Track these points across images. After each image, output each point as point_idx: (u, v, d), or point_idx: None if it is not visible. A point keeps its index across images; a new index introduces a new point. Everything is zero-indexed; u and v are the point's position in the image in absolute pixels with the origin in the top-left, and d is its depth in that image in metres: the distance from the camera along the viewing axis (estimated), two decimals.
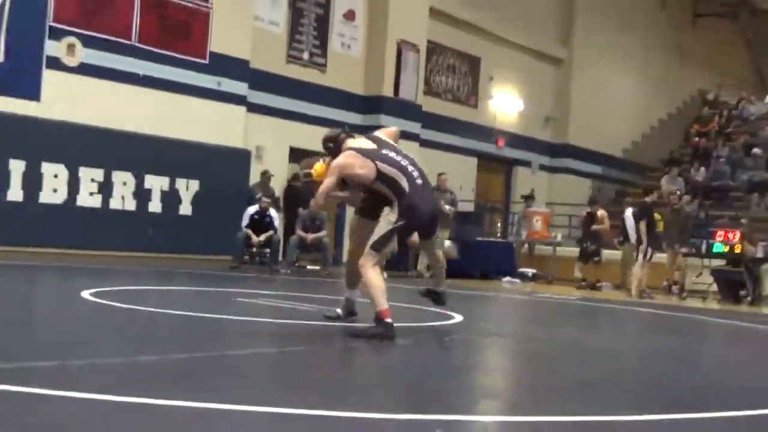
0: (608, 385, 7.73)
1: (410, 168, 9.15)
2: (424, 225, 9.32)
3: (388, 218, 8.98)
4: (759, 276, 21.81)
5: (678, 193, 24.47)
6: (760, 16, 43.16)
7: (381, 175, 8.99)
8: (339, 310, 10.16)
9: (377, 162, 9.05)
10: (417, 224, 9.21)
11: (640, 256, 21.46)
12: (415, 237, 9.73)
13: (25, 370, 5.92)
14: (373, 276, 8.96)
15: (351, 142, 9.39)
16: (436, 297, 10.00)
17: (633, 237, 21.52)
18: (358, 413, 5.29)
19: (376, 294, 8.85)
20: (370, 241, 9.07)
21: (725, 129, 37.06)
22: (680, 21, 40.43)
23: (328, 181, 9.22)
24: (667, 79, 38.77)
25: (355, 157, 9.12)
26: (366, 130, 24.28)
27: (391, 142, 9.44)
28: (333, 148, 9.47)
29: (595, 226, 23.85)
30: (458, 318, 11.48)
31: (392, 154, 9.20)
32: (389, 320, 8.68)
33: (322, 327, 10.01)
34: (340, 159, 9.19)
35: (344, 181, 9.32)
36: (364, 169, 9.04)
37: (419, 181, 9.11)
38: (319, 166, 9.52)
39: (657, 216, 22.05)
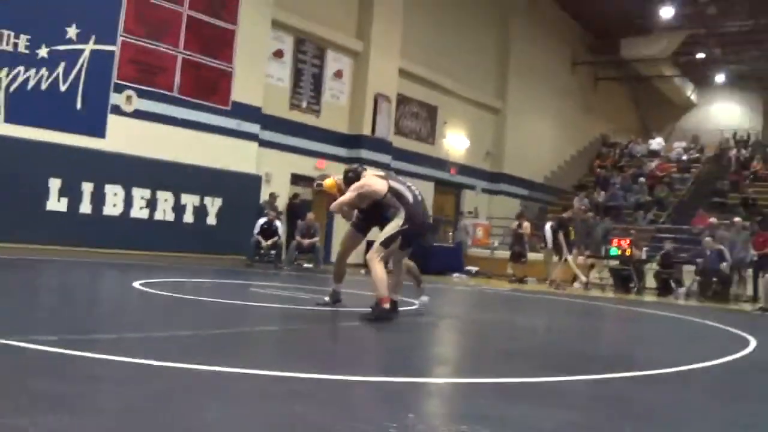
0: (529, 354, 7.80)
1: (412, 187, 9.32)
2: (421, 232, 9.39)
3: (396, 222, 9.00)
4: (643, 272, 22.37)
5: (583, 208, 24.66)
6: (644, 81, 43.65)
7: (391, 189, 9.06)
8: (327, 298, 10.12)
9: (389, 180, 9.22)
10: (416, 230, 9.19)
11: (556, 258, 21.65)
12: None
13: (91, 341, 5.97)
14: (379, 269, 8.88)
15: (367, 173, 9.47)
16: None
17: (550, 244, 21.58)
18: (342, 376, 5.36)
19: (378, 284, 8.81)
20: (379, 240, 9.09)
21: (619, 163, 37.86)
22: (586, 83, 40.69)
23: (350, 195, 9.18)
24: (576, 126, 38.90)
25: (373, 178, 9.24)
26: (350, 162, 24.54)
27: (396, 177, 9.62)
28: (353, 177, 9.43)
29: (520, 230, 24.02)
30: (418, 304, 11.16)
31: (399, 179, 9.52)
32: (386, 305, 8.72)
33: (315, 310, 9.93)
34: (363, 180, 9.23)
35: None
36: (379, 185, 9.09)
37: (419, 198, 9.23)
38: (329, 181, 9.68)
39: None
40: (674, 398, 5.79)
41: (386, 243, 8.98)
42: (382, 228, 9.35)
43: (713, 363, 7.58)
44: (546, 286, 21.61)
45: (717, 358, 7.87)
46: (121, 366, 5.08)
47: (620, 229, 26.33)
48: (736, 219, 23.30)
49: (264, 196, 21.92)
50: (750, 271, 21.42)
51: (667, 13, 33.11)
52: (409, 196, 9.10)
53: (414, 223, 9.06)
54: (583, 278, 21.31)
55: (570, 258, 21.40)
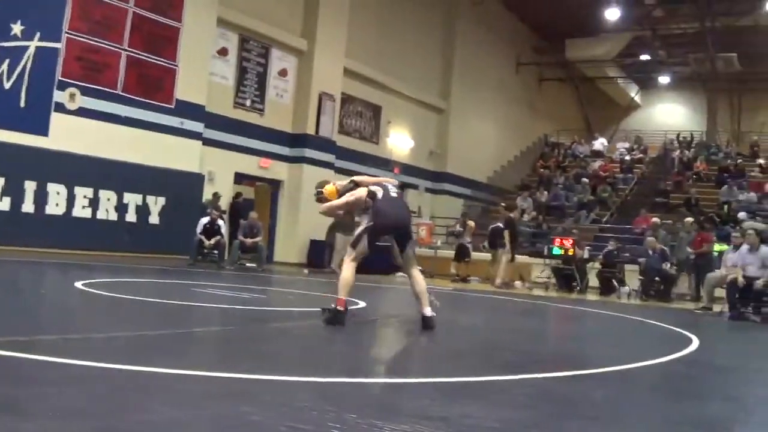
0: (473, 353, 7.95)
1: (390, 186, 9.18)
2: (389, 227, 9.06)
3: (364, 221, 8.97)
4: (585, 272, 22.59)
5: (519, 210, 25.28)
6: (586, 82, 44.47)
7: (369, 192, 8.98)
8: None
9: (369, 185, 9.15)
10: (382, 226, 8.95)
11: (505, 257, 22.15)
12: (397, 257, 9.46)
13: (31, 343, 5.99)
14: (346, 271, 8.78)
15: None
16: (425, 321, 8.82)
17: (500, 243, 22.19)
18: (286, 377, 5.40)
19: (340, 286, 8.66)
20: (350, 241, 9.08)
21: (562, 163, 38.02)
22: (530, 83, 41.31)
23: (339, 201, 9.25)
24: (519, 126, 39.57)
25: (363, 189, 9.09)
26: (294, 161, 24.86)
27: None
28: (352, 187, 9.35)
29: (459, 229, 24.54)
30: (362, 304, 11.51)
31: (389, 184, 9.28)
32: (342, 308, 8.52)
33: (258, 311, 10.07)
34: (356, 192, 9.18)
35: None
36: (363, 192, 9.03)
37: (393, 194, 9.05)
38: (330, 187, 9.60)
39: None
40: (618, 396, 5.92)
41: (354, 243, 8.91)
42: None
43: (656, 361, 7.76)
44: (490, 286, 21.99)
45: (660, 357, 8.09)
46: (64, 368, 5.07)
47: (562, 228, 26.86)
48: (688, 219, 23.72)
49: (207, 195, 22.16)
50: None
51: (612, 15, 33.61)
52: (380, 194, 8.99)
53: (380, 219, 8.87)
54: (499, 282, 21.80)
55: (505, 258, 22.01)
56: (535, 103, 41.46)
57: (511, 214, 23.51)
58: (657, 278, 20.91)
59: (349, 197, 9.23)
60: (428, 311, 8.81)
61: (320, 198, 9.61)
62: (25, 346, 5.64)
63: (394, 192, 9.11)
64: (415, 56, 31.98)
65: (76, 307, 9.42)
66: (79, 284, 11.13)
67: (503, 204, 28.48)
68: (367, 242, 8.84)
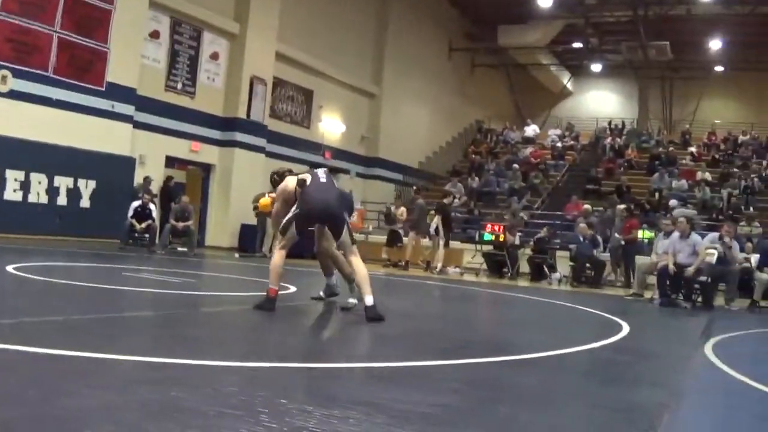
0: (403, 338, 8.01)
1: (320, 173, 9.10)
2: (315, 213, 8.90)
3: (293, 208, 8.93)
4: (516, 257, 23.00)
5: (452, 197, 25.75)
6: (519, 69, 45.03)
7: (299, 180, 8.99)
8: (321, 293, 10.48)
9: (298, 175, 9.24)
10: (307, 212, 8.83)
11: (441, 242, 22.69)
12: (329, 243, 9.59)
13: None
14: (276, 258, 8.89)
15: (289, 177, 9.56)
16: (367, 312, 8.62)
17: (433, 229, 22.74)
18: (216, 362, 5.44)
19: (271, 274, 8.76)
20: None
21: (493, 149, 38.71)
22: (462, 70, 41.80)
23: (276, 207, 9.50)
24: (452, 112, 40.13)
25: (289, 178, 9.39)
26: (225, 144, 25.09)
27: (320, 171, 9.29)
28: (277, 179, 9.69)
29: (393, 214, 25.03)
30: (293, 288, 11.60)
31: (319, 171, 9.21)
32: (273, 297, 8.56)
33: (188, 296, 10.20)
34: (282, 184, 9.44)
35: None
36: (291, 182, 9.21)
37: (322, 181, 8.93)
38: (263, 200, 9.58)
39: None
40: (547, 382, 6.04)
41: (282, 230, 8.93)
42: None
43: (586, 347, 7.97)
44: (423, 271, 22.47)
45: (590, 343, 8.26)
46: None
47: (494, 214, 27.48)
48: (620, 206, 24.29)
49: (138, 179, 22.39)
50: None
51: (545, 1, 34.44)
52: (308, 180, 8.92)
53: (306, 206, 8.82)
54: (438, 268, 22.42)
55: (442, 242, 22.58)
56: (468, 89, 41.87)
57: (445, 200, 23.93)
58: (588, 265, 21.34)
59: (281, 196, 9.45)
60: (369, 300, 8.66)
61: (258, 212, 9.80)
62: None
63: (323, 177, 9.03)
64: (348, 41, 32.42)
65: (6, 291, 9.34)
66: (10, 268, 11.16)
67: (415, 188, 28.75)
68: (296, 229, 8.86)
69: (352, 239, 9.14)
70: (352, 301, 9.57)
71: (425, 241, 24.08)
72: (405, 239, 24.35)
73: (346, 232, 8.99)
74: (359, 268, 8.97)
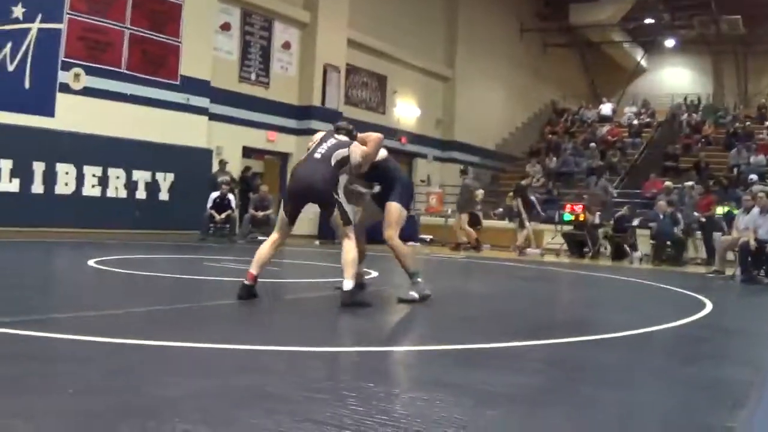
0: (486, 320, 7.91)
1: (316, 148, 8.09)
2: (293, 191, 8.01)
3: None
4: (596, 237, 22.53)
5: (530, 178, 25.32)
6: (591, 47, 44.11)
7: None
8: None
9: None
10: (289, 189, 8.14)
11: (527, 224, 22.28)
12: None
13: (47, 321, 6.01)
14: (265, 244, 8.12)
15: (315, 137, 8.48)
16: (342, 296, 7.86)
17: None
18: (300, 347, 5.42)
19: (254, 259, 7.99)
20: None
21: (570, 129, 37.87)
22: (534, 50, 40.86)
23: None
24: (526, 92, 39.31)
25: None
26: (301, 133, 24.79)
27: (330, 138, 8.18)
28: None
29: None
30: (374, 273, 11.45)
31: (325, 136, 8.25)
32: (249, 283, 7.82)
33: (270, 284, 9.66)
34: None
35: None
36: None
37: (315, 155, 7.97)
38: None
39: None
40: (630, 360, 5.96)
41: (277, 210, 8.21)
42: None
43: (669, 326, 7.77)
44: (509, 253, 22.08)
45: (673, 321, 8.04)
46: (80, 344, 5.11)
47: (573, 194, 26.90)
48: (688, 183, 23.76)
49: (215, 169, 22.21)
50: (699, 234, 21.80)
51: None
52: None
53: (291, 182, 8.20)
54: (517, 251, 22.02)
55: (528, 224, 22.11)
56: (541, 69, 41.04)
57: (523, 182, 23.45)
58: (668, 242, 20.83)
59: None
60: (347, 285, 7.76)
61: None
62: (39, 325, 5.67)
63: (314, 152, 8.05)
64: (419, 24, 31.79)
65: (89, 285, 9.38)
66: (91, 262, 11.14)
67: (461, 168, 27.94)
68: (283, 209, 8.17)
69: (346, 220, 8.05)
70: (414, 294, 8.56)
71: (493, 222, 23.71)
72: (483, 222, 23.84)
73: (338, 212, 7.97)
74: (347, 250, 7.93)
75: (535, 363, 5.54)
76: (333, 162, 7.94)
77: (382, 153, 8.60)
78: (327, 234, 23.48)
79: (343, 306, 7.65)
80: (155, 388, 4.04)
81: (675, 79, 46.50)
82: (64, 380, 4.10)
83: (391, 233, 8.49)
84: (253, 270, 7.88)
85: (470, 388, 4.37)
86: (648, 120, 37.47)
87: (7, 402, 3.65)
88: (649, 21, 40.57)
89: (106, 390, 3.94)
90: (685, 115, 36.28)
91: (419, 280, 8.41)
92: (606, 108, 39.07)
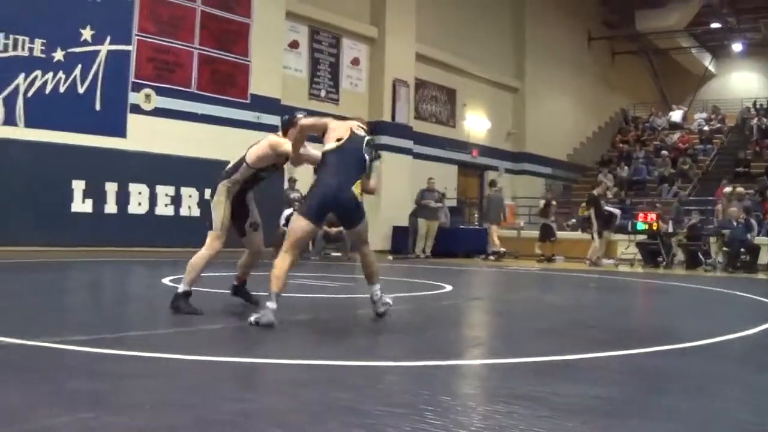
0: (561, 331, 7.67)
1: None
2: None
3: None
4: (670, 246, 21.92)
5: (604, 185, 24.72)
6: (659, 54, 43.40)
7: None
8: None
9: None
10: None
11: (595, 235, 21.55)
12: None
13: (121, 339, 5.97)
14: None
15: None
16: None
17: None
18: (376, 362, 5.40)
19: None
20: None
21: (641, 137, 37.44)
22: (602, 58, 40.38)
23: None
24: (596, 101, 38.72)
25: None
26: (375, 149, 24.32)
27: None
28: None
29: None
30: (448, 287, 11.44)
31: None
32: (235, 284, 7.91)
33: (345, 299, 9.87)
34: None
35: None
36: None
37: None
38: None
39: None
40: (708, 369, 5.74)
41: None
42: None
43: (746, 333, 7.51)
44: (582, 264, 21.55)
45: (750, 329, 7.78)
46: (153, 361, 5.10)
47: (645, 203, 26.27)
48: (727, 189, 23.46)
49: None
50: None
51: None
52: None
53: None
54: (590, 261, 21.37)
55: (596, 236, 21.44)
56: (610, 77, 40.45)
57: (595, 192, 22.80)
58: (742, 249, 20.32)
59: None
60: (181, 287, 7.49)
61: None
62: (114, 343, 5.72)
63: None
64: (487, 37, 31.09)
65: (163, 303, 9.03)
66: (166, 280, 11.13)
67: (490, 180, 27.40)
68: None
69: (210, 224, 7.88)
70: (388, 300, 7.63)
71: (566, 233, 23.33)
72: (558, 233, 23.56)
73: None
74: (198, 254, 7.76)
75: (613, 374, 5.48)
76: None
77: (329, 146, 7.41)
78: (400, 249, 23.20)
79: (171, 307, 7.53)
80: (231, 403, 4.02)
81: (744, 83, 45.43)
82: (140, 396, 4.11)
83: (285, 245, 7.24)
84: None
85: (547, 400, 4.27)
86: (718, 126, 36.80)
87: (82, 418, 3.59)
88: (715, 25, 39.81)
89: (182, 405, 3.91)
90: (755, 120, 35.37)
91: (274, 303, 6.80)
92: (676, 115, 38.45)
